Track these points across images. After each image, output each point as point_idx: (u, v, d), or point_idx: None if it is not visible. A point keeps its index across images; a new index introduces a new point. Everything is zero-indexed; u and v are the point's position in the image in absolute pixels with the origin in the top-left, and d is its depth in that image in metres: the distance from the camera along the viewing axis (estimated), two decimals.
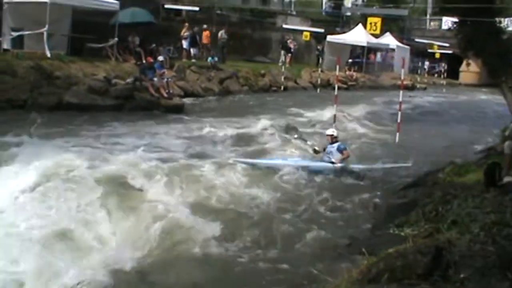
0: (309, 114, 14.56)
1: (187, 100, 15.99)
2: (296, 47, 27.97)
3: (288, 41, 27.27)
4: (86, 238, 5.06)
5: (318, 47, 28.96)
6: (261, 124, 11.47)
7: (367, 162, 8.88)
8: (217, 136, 10.54)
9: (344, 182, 8.08)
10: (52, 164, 6.50)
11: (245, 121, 12.19)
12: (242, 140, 10.12)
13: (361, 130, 13.01)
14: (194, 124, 11.90)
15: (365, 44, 28.44)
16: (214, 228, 5.56)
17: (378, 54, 30.74)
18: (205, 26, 21.40)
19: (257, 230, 5.79)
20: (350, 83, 26.45)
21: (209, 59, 20.72)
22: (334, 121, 11.50)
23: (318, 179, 7.93)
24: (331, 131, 8.86)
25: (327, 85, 24.25)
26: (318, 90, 22.87)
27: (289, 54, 26.98)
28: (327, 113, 13.61)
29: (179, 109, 14.33)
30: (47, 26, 14.42)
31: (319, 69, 24.28)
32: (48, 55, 14.36)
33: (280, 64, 25.26)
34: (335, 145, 8.65)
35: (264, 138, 10.48)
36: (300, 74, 25.06)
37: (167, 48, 20.19)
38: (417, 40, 36.07)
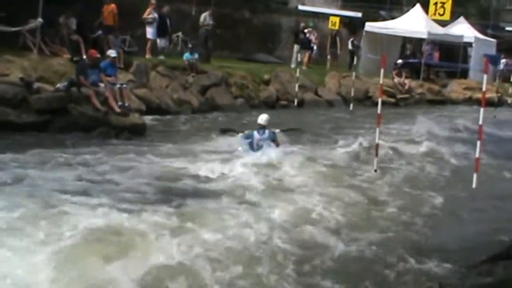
0: (335, 144, 14.63)
1: (149, 119, 16.29)
2: (318, 40, 28.47)
3: (306, 31, 27.66)
4: None
5: (353, 40, 29.32)
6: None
7: None
8: (195, 183, 10.35)
9: (384, 239, 8.10)
10: None
11: (234, 158, 12.05)
12: (232, 191, 9.88)
13: (417, 168, 12.76)
14: (160, 159, 11.86)
15: (425, 35, 28.71)
16: None
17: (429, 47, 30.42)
18: None
19: None
20: (400, 95, 26.83)
21: (186, 55, 21.15)
22: (376, 154, 11.68)
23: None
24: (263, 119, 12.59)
25: (364, 98, 24.92)
26: (351, 106, 23.06)
27: (308, 51, 27.43)
28: (365, 142, 13.74)
29: (137, 132, 14.55)
30: None
31: (353, 74, 24.35)
32: None
33: (293, 66, 25.56)
34: (266, 132, 12.57)
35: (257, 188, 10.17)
36: (323, 81, 25.42)
37: (121, 37, 20.55)
38: (509, 28, 35.93)
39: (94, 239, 6.87)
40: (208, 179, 10.44)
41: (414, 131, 17.43)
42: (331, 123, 18.89)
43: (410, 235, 8.42)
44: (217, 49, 24.36)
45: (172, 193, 9.45)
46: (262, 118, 12.80)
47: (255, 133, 12.71)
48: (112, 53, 16.19)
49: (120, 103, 14.84)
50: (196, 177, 10.53)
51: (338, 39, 29.11)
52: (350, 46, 29.22)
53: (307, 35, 27.56)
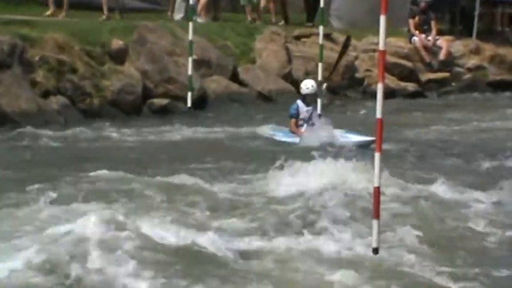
0: (304, 200, 11.61)
1: None
2: None
3: None
4: None
5: None
6: None
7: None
8: None
9: None
10: None
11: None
12: None
13: (448, 244, 10.06)
14: None
15: None
16: None
17: None
18: None
19: None
20: (428, 75, 22.79)
21: None
22: (377, 215, 9.04)
23: None
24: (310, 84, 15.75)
25: (348, 85, 21.50)
26: (319, 104, 17.96)
27: None
28: (352, 189, 11.74)
29: None
30: None
31: (320, 30, 18.90)
32: None
33: (178, 17, 23.26)
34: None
35: None
36: (250, 50, 22.08)
37: None
38: None
39: None
40: None
41: (456, 160, 14.31)
42: (269, 152, 14.50)
43: None
44: None
45: None
46: (307, 84, 15.47)
47: (300, 103, 15.27)
48: None
49: None
50: None
51: None
52: None
53: None
